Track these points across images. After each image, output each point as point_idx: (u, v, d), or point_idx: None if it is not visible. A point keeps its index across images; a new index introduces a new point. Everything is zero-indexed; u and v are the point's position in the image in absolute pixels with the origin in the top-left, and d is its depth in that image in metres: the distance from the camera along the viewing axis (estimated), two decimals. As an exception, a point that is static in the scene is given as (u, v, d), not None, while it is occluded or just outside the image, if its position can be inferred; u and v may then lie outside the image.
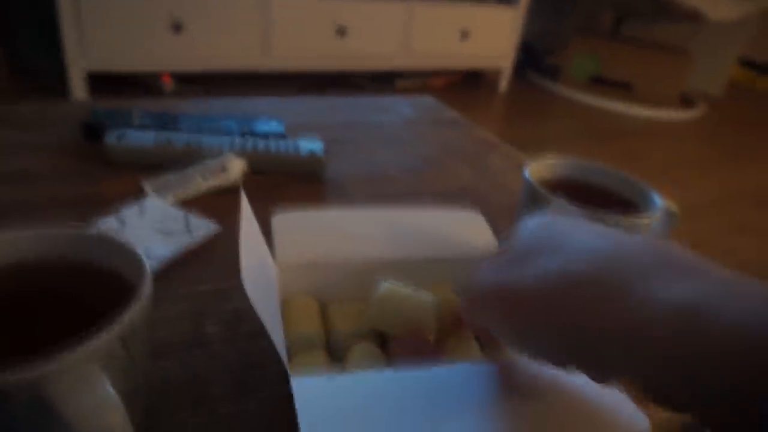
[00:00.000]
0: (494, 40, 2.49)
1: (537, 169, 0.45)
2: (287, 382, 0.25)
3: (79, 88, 1.77)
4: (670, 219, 0.44)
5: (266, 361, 0.32)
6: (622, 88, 2.81)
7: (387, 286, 0.31)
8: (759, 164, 2.36)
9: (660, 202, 0.41)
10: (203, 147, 0.53)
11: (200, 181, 0.49)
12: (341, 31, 2.06)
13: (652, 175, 2.16)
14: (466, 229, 0.38)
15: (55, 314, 0.24)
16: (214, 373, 0.31)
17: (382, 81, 2.47)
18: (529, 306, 0.21)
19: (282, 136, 0.61)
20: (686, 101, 2.99)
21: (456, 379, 0.25)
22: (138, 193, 0.48)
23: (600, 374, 0.21)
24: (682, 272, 0.19)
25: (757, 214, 1.90)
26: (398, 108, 0.81)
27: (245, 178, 0.53)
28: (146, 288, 0.22)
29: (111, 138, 0.52)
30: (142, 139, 0.53)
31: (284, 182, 0.54)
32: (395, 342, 0.29)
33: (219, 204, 0.49)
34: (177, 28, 1.76)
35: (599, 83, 2.84)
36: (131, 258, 0.25)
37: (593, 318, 0.19)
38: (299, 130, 0.67)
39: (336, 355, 0.31)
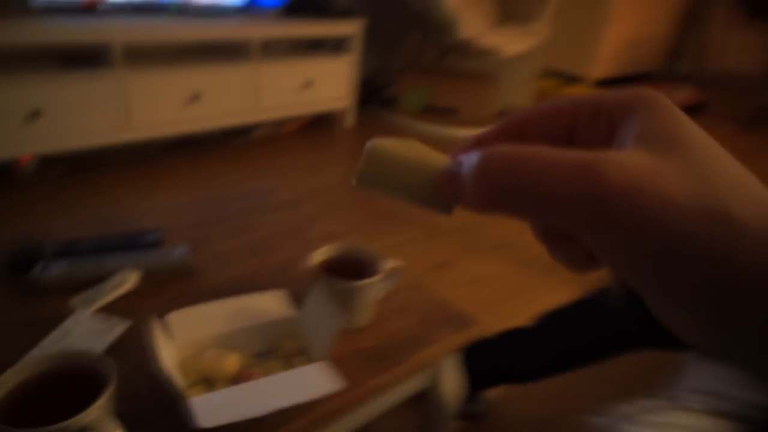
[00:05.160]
0: (335, 85, 2.86)
1: (321, 253, 0.78)
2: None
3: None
4: (394, 275, 0.79)
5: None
6: (449, 114, 3.34)
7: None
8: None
9: (385, 263, 0.76)
10: (107, 265, 0.79)
11: (109, 292, 0.75)
12: (195, 97, 2.29)
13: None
14: (276, 305, 0.70)
15: (63, 397, 0.51)
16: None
17: (239, 134, 2.72)
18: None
19: (161, 243, 0.89)
20: (503, 115, 3.60)
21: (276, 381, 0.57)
22: (67, 309, 0.74)
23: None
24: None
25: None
26: (248, 197, 1.11)
27: (139, 283, 0.80)
28: (113, 379, 0.51)
29: (36, 272, 0.76)
30: (60, 269, 0.77)
31: (166, 279, 0.82)
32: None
33: (124, 306, 0.75)
34: (35, 114, 1.88)
35: (431, 111, 3.34)
36: (105, 361, 0.52)
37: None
38: (174, 233, 0.95)
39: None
